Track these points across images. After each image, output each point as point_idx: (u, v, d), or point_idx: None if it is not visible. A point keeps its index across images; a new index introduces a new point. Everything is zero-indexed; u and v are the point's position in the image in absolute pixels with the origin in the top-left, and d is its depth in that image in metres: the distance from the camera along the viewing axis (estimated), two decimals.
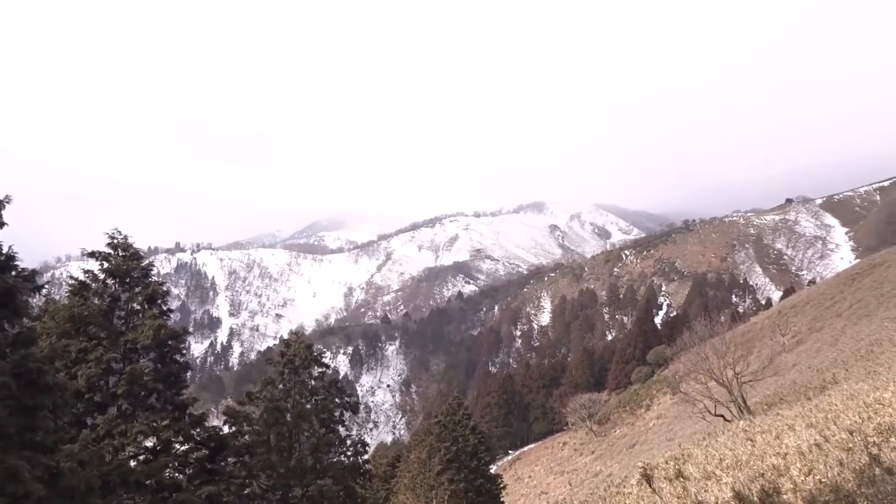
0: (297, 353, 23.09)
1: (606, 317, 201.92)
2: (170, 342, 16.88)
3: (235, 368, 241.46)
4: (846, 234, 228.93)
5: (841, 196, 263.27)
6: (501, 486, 42.40)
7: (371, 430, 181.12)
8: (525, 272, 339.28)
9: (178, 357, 17.28)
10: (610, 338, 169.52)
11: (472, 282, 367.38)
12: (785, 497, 7.95)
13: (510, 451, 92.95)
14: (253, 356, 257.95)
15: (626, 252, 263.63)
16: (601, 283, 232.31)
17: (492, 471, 44.65)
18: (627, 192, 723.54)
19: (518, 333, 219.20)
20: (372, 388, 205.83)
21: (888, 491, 6.56)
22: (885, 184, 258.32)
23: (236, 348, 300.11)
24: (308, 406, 22.69)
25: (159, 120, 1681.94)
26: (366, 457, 26.30)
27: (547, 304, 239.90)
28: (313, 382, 23.26)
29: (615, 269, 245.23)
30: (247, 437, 20.71)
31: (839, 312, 56.03)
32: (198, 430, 17.15)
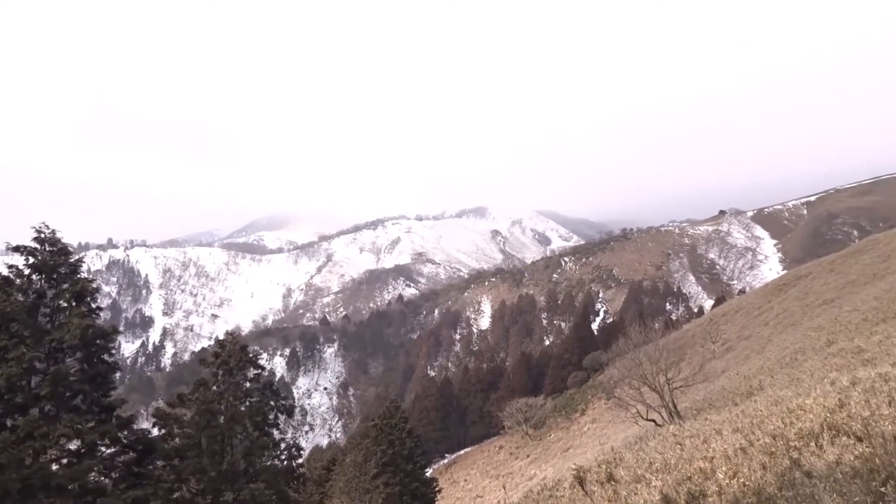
0: (232, 354, 22.61)
1: (545, 322, 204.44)
2: (98, 341, 16.30)
3: (168, 369, 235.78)
4: (775, 245, 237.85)
5: (771, 209, 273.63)
6: (437, 489, 42.44)
7: (307, 433, 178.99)
8: (466, 276, 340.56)
9: (106, 357, 16.69)
10: (548, 343, 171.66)
11: (412, 285, 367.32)
12: (710, 500, 8.15)
13: (447, 455, 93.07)
14: (186, 357, 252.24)
15: (566, 258, 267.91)
16: (540, 289, 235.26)
17: (427, 474, 44.69)
18: (568, 200, 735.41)
19: (458, 337, 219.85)
20: (309, 390, 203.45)
21: (807, 493, 6.81)
22: (812, 199, 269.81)
23: (169, 349, 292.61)
24: (242, 409, 22.24)
25: (87, 106, 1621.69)
26: (300, 460, 25.94)
27: (487, 308, 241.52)
28: (248, 384, 22.80)
29: (554, 275, 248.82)
30: (177, 439, 20.16)
31: (766, 321, 57.95)
32: (125, 432, 16.61)
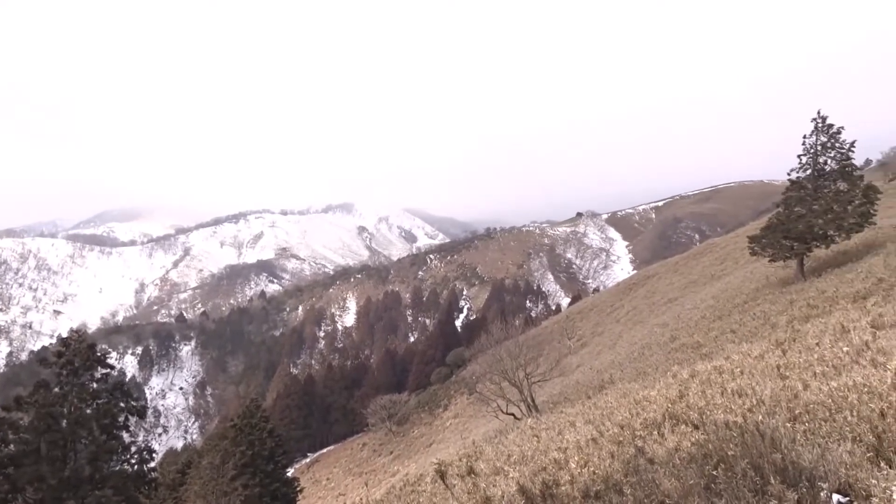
0: (78, 353, 21.13)
1: (410, 319, 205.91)
2: None
3: (2, 370, 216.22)
4: (626, 247, 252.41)
5: (623, 213, 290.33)
6: (298, 489, 41.71)
7: (160, 435, 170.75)
8: (331, 272, 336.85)
9: None
10: (412, 339, 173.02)
11: (276, 281, 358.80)
12: (563, 488, 8.48)
13: (309, 454, 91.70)
14: (24, 357, 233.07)
15: (431, 256, 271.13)
16: (406, 286, 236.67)
17: (289, 474, 43.79)
18: (436, 199, 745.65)
19: (322, 334, 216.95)
20: (163, 390, 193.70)
21: (649, 479, 7.27)
22: (660, 204, 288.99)
23: (3, 347, 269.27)
24: (88, 411, 20.83)
25: None
26: (152, 464, 24.68)
27: (352, 305, 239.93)
28: (95, 385, 21.40)
29: (420, 273, 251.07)
30: (12, 446, 18.60)
31: (618, 318, 61.37)
32: None
